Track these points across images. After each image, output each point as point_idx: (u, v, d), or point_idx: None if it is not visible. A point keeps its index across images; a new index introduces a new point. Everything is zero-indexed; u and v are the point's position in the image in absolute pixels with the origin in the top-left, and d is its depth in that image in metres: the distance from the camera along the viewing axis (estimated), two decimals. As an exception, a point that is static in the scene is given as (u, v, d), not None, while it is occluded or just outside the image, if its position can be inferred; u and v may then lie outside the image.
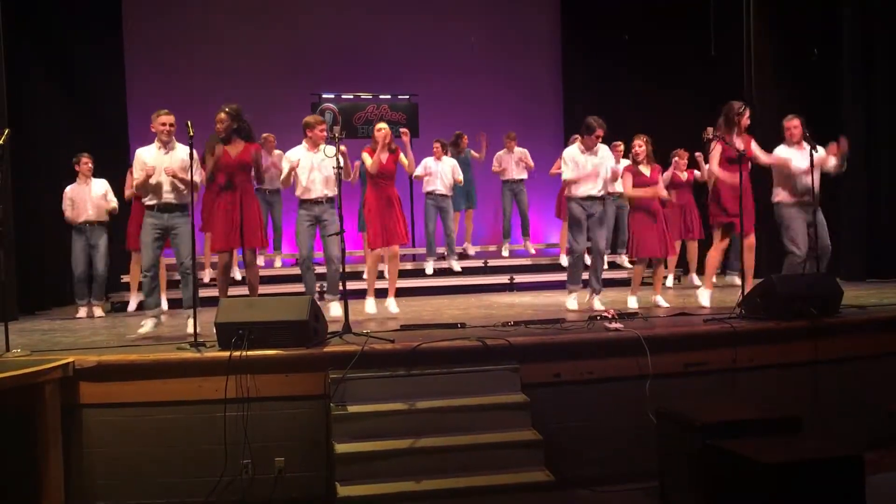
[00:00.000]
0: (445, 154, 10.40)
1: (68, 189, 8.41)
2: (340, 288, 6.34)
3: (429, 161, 10.37)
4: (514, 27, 13.06)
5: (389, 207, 7.08)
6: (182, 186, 6.27)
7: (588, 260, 7.75)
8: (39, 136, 9.09)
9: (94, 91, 10.54)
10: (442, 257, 10.51)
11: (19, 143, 7.18)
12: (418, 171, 10.35)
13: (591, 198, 7.16)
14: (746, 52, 10.05)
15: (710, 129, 6.65)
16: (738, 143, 6.76)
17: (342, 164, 6.06)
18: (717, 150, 6.85)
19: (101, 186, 8.48)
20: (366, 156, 7.10)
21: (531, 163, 11.04)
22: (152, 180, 6.30)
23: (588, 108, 12.37)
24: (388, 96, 12.44)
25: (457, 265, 10.45)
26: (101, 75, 10.74)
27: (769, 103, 9.41)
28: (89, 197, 8.40)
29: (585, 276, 7.45)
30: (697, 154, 9.29)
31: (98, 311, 8.49)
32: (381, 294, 7.48)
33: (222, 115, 6.48)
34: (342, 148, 6.34)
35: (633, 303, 7.31)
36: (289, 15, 12.33)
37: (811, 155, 6.62)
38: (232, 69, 11.94)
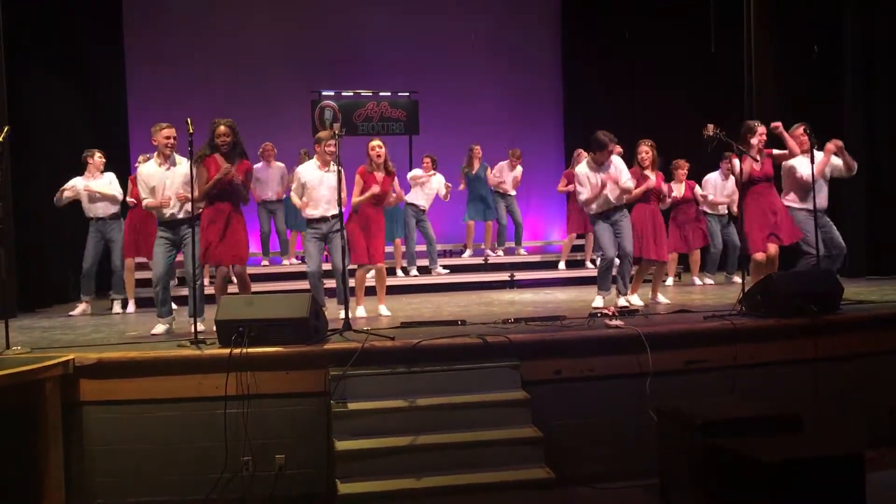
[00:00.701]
0: (435, 169, 10.27)
1: (78, 180, 8.34)
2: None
3: (418, 173, 10.27)
4: (515, 24, 13.04)
5: (374, 228, 7.06)
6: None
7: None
8: (39, 135, 9.07)
9: (95, 90, 10.53)
10: (426, 269, 10.35)
11: (19, 141, 7.17)
12: (412, 174, 10.27)
13: (611, 209, 7.13)
14: (746, 52, 10.04)
15: (710, 126, 6.63)
16: (757, 163, 6.81)
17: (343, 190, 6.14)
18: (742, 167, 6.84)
19: (108, 178, 8.46)
20: (359, 179, 7.03)
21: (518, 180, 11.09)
22: (161, 204, 6.31)
23: (588, 107, 12.45)
24: (388, 93, 12.41)
25: (443, 272, 10.35)
26: (102, 75, 10.73)
27: (769, 103, 9.41)
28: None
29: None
30: (700, 191, 9.32)
31: (116, 307, 8.49)
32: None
33: (223, 128, 6.28)
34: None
35: (635, 300, 7.25)
36: (289, 13, 12.33)
37: (812, 162, 6.70)
38: (232, 67, 11.96)
